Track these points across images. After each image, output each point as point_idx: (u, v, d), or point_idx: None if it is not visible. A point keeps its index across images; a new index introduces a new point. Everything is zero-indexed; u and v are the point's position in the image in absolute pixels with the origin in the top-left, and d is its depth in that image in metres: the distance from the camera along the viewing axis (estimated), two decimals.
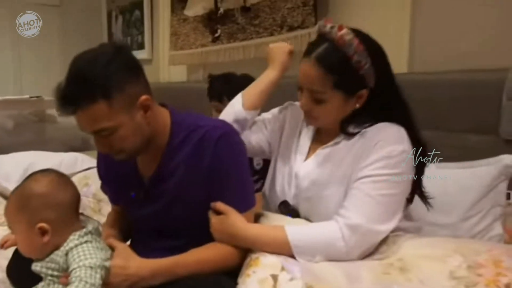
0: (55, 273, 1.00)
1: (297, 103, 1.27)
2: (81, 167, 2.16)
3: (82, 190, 2.01)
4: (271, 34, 2.48)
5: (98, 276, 0.94)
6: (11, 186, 1.98)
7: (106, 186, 1.34)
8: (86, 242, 1.00)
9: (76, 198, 1.05)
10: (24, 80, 4.24)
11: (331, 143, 1.17)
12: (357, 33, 1.10)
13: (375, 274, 0.94)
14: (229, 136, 1.11)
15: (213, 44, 2.98)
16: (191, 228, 1.12)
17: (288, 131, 1.32)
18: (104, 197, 1.62)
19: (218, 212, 1.08)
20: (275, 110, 1.42)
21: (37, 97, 3.33)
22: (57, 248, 1.01)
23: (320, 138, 1.22)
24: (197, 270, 1.03)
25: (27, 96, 3.29)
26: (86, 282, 0.93)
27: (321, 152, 1.17)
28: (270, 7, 2.49)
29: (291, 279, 0.94)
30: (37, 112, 3.47)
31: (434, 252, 0.97)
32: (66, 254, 0.98)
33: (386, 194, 1.03)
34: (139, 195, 1.18)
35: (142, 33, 3.95)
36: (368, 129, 1.11)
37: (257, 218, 1.17)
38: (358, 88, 1.10)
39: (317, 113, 1.14)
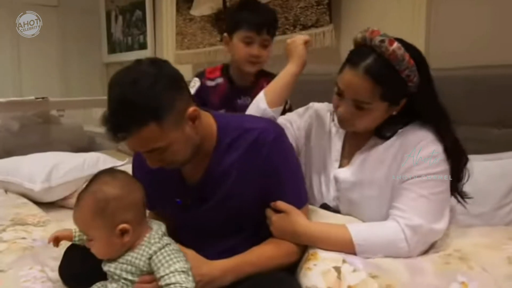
0: (129, 276, 1.00)
1: (319, 104, 1.33)
2: (103, 166, 2.15)
3: None
4: (284, 33, 2.51)
5: (191, 278, 0.96)
6: (36, 187, 2.00)
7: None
8: (166, 245, 1.00)
9: (144, 195, 1.06)
10: (24, 81, 4.21)
11: (367, 146, 1.20)
12: (405, 45, 1.12)
13: (436, 266, 0.99)
14: (281, 138, 1.14)
15: (222, 44, 3.00)
16: (242, 230, 1.14)
17: (317, 132, 1.34)
18: None
19: (277, 211, 1.11)
20: (299, 110, 1.43)
21: (43, 98, 3.31)
22: (130, 249, 1.02)
23: (352, 140, 1.25)
24: (262, 267, 1.05)
25: (32, 97, 3.27)
26: (186, 287, 0.94)
27: (359, 156, 1.20)
28: (281, 6, 2.52)
29: (354, 271, 0.97)
30: (41, 113, 3.45)
31: (488, 241, 1.03)
32: (149, 258, 0.99)
33: (436, 192, 1.07)
34: (186, 201, 1.18)
35: (144, 33, 3.95)
36: (404, 129, 1.15)
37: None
38: (402, 98, 1.14)
39: (357, 121, 1.16)
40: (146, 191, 1.23)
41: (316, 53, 2.39)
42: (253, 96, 1.50)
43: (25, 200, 1.97)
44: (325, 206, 1.25)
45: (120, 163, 2.26)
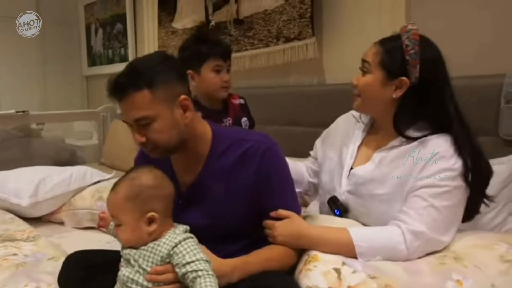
0: (147, 265, 1.03)
1: (343, 115, 1.39)
2: (90, 180, 2.14)
3: (96, 204, 2.02)
4: (267, 45, 2.57)
5: (211, 269, 1.00)
6: (24, 202, 1.97)
7: None
8: (190, 237, 1.05)
9: (174, 194, 1.11)
10: (3, 95, 4.15)
11: (388, 146, 1.22)
12: (424, 36, 1.21)
13: (432, 266, 1.03)
14: (273, 149, 1.18)
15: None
16: (234, 239, 1.17)
17: (335, 133, 1.41)
18: None
19: (275, 219, 1.15)
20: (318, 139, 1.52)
21: (23, 111, 3.27)
22: (155, 240, 1.05)
23: (371, 142, 1.29)
24: (265, 268, 1.08)
25: (12, 111, 3.23)
26: (212, 275, 0.98)
27: (378, 155, 1.23)
28: (264, 20, 2.58)
29: (354, 272, 1.00)
30: (21, 127, 3.41)
31: (480, 242, 1.08)
32: (174, 246, 1.02)
33: (448, 205, 1.09)
34: (178, 202, 1.21)
35: (125, 45, 3.95)
36: (429, 137, 1.16)
37: (304, 219, 1.24)
38: (399, 73, 1.17)
39: (360, 87, 1.23)
40: None
41: (300, 65, 2.47)
42: (232, 115, 1.72)
43: (12, 216, 1.94)
44: (334, 199, 1.29)
45: (107, 176, 2.26)
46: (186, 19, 3.19)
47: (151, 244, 1.05)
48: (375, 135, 1.29)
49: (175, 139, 1.12)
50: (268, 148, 1.16)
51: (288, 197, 1.20)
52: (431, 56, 1.18)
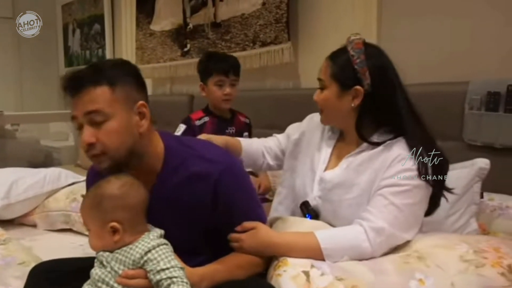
0: (119, 267, 1.02)
1: (316, 114, 1.39)
2: (65, 182, 2.13)
3: (70, 205, 2.01)
4: (243, 49, 2.60)
5: (186, 276, 0.99)
6: None
7: None
8: (165, 244, 1.03)
9: (145, 201, 1.08)
10: None
11: (356, 151, 1.26)
12: (369, 43, 1.25)
13: (397, 265, 1.06)
14: (230, 169, 1.14)
15: (182, 58, 3.06)
16: (193, 252, 1.13)
17: (308, 138, 1.42)
18: None
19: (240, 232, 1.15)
20: (294, 125, 1.53)
21: None
22: (126, 245, 1.04)
23: (341, 148, 1.31)
24: (233, 276, 1.08)
25: None
26: (186, 283, 0.97)
27: (346, 160, 1.26)
28: (241, 24, 2.61)
29: (322, 274, 1.02)
30: None
31: (443, 242, 1.12)
32: (147, 251, 1.00)
33: (408, 203, 1.13)
34: None
35: (102, 46, 3.94)
36: (393, 141, 1.20)
37: (274, 221, 1.27)
38: (353, 83, 1.21)
39: (320, 103, 1.28)
40: None
41: (276, 69, 2.50)
42: (236, 126, 2.00)
43: None
44: (305, 204, 1.31)
45: (82, 178, 2.24)
46: (164, 21, 3.20)
47: (124, 248, 1.04)
48: (344, 142, 1.33)
49: (126, 147, 1.05)
50: (224, 169, 1.12)
51: (251, 210, 1.18)
52: (377, 63, 1.22)
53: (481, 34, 1.76)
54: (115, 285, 1.02)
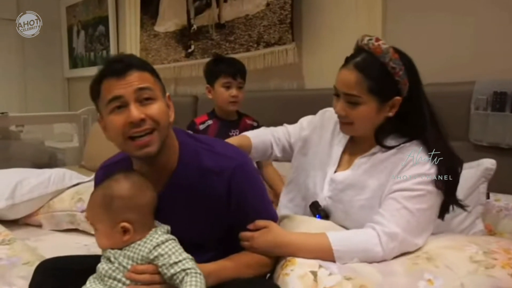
0: (128, 262, 1.03)
1: (329, 110, 1.36)
2: (70, 182, 2.14)
3: (76, 205, 2.01)
4: (247, 50, 2.60)
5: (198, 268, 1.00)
6: (0, 204, 1.96)
7: None
8: (172, 239, 1.04)
9: (154, 200, 1.09)
10: None
11: (368, 153, 1.24)
12: (393, 48, 1.19)
13: (405, 267, 1.06)
14: (243, 166, 1.14)
15: (187, 60, 3.06)
16: (202, 248, 1.13)
17: (319, 136, 1.39)
18: None
19: (251, 230, 1.14)
20: (310, 117, 1.49)
21: (2, 113, 3.24)
22: (134, 242, 1.04)
23: (354, 148, 1.30)
24: (239, 274, 1.08)
25: None
26: (200, 274, 0.98)
27: (358, 161, 1.25)
28: (245, 24, 2.61)
29: (330, 274, 1.02)
30: (0, 129, 3.38)
31: (452, 244, 1.11)
32: (156, 246, 1.01)
33: (421, 208, 1.12)
34: None
35: (107, 48, 3.95)
36: (407, 144, 1.19)
37: (281, 220, 1.26)
38: (392, 95, 1.18)
39: (352, 118, 1.21)
40: None
41: (280, 69, 2.50)
42: (240, 129, 1.97)
43: None
44: (315, 204, 1.30)
45: (87, 178, 2.24)
46: (168, 22, 3.20)
47: (132, 244, 1.04)
48: (356, 142, 1.31)
49: (167, 130, 1.08)
50: (238, 166, 1.12)
51: (263, 208, 1.18)
52: (411, 66, 1.19)
53: (487, 33, 1.75)
54: (123, 279, 1.02)
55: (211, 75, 2.02)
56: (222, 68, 1.97)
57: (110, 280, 1.03)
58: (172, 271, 0.99)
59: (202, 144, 1.17)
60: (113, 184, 1.06)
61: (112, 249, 1.06)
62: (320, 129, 1.40)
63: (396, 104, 1.18)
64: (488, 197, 1.45)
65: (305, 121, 1.48)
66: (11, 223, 2.04)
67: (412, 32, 1.96)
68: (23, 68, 4.35)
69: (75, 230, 2.04)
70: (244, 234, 1.15)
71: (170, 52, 3.21)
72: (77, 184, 2.16)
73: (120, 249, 1.05)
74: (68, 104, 4.64)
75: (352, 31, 2.11)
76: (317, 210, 1.28)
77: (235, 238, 1.16)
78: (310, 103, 2.13)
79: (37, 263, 1.30)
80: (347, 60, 1.21)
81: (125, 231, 1.04)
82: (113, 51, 3.86)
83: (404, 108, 1.19)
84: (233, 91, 1.95)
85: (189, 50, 3.04)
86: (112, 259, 1.04)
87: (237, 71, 1.98)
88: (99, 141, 3.20)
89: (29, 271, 1.29)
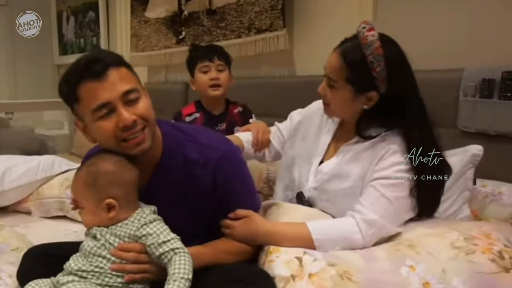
0: (114, 239, 1.03)
1: (319, 101, 1.37)
2: (59, 169, 2.12)
3: (65, 192, 2.00)
4: (239, 36, 2.58)
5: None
6: None
7: None
8: (159, 219, 1.05)
9: (137, 178, 1.09)
10: None
11: (352, 141, 1.26)
12: (384, 38, 1.17)
13: (388, 253, 1.08)
14: (229, 155, 1.14)
15: (177, 46, 3.03)
16: (187, 237, 1.10)
17: (306, 127, 1.41)
18: None
19: (234, 219, 1.15)
20: (296, 111, 1.51)
21: None
22: (121, 221, 1.05)
23: (341, 135, 1.31)
24: (218, 260, 1.09)
25: None
26: (188, 253, 0.99)
27: (344, 149, 1.27)
28: (236, 10, 2.58)
29: (314, 260, 1.04)
30: None
31: (433, 230, 1.13)
32: (144, 225, 1.02)
33: (399, 196, 1.14)
34: None
35: (97, 34, 3.90)
36: (389, 133, 1.20)
37: (269, 207, 1.27)
38: (368, 89, 1.18)
39: (328, 99, 1.24)
40: None
41: (271, 56, 2.49)
42: (227, 121, 1.90)
43: None
44: (300, 195, 1.32)
45: (76, 165, 2.23)
46: (159, 8, 3.17)
47: (119, 224, 1.05)
48: (343, 129, 1.32)
49: (155, 122, 1.08)
50: (223, 155, 1.12)
51: (247, 197, 1.19)
52: (397, 68, 1.16)
53: (477, 20, 1.75)
54: (108, 256, 1.03)
55: (189, 65, 1.96)
56: (198, 55, 1.91)
57: (95, 257, 1.03)
58: (160, 250, 1.00)
59: (186, 135, 1.16)
60: (98, 161, 1.07)
61: (99, 226, 1.06)
62: (308, 119, 1.42)
63: (373, 98, 1.19)
64: (474, 183, 1.46)
65: (294, 113, 1.51)
66: (0, 210, 2.03)
67: (404, 18, 1.95)
68: (12, 54, 4.30)
69: (64, 217, 2.03)
70: (226, 222, 1.15)
71: (160, 39, 3.18)
72: (67, 171, 2.14)
73: (107, 227, 1.06)
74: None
75: (344, 18, 2.11)
76: (301, 201, 1.29)
77: (218, 227, 1.16)
78: (301, 90, 2.13)
79: (25, 249, 1.30)
80: (342, 42, 1.22)
81: (110, 207, 1.05)
82: (103, 37, 3.82)
83: (387, 104, 1.18)
84: (212, 73, 1.86)
85: (180, 37, 3.01)
86: (99, 236, 1.05)
87: (212, 52, 1.90)
88: None
89: (18, 257, 1.29)
